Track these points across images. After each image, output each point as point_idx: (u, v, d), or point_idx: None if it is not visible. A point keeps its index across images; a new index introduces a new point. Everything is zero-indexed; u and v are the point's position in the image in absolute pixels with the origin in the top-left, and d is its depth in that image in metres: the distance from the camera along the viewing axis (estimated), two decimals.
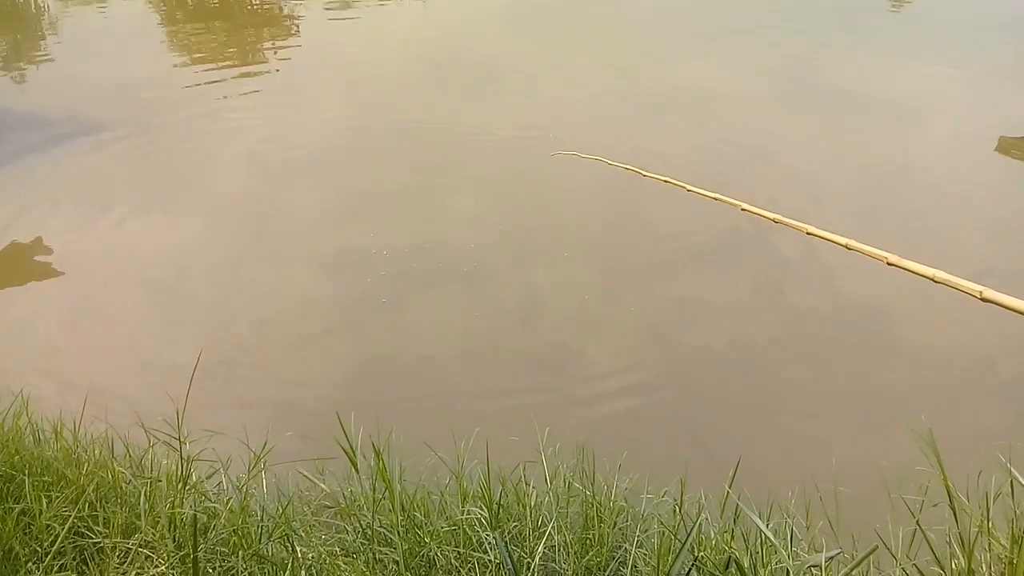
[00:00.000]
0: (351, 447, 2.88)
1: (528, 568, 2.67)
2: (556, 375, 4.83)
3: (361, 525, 2.78)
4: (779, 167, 7.33)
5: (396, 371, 4.90)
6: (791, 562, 2.35)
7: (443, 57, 10.34)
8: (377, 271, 5.84)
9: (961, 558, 2.51)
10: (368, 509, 2.81)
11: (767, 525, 2.73)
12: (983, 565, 2.81)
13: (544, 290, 5.68)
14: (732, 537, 2.80)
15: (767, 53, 10.30)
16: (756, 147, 7.69)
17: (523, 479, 3.15)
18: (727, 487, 2.96)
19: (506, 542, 2.62)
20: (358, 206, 6.77)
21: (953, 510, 2.52)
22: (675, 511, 3.05)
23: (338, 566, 2.66)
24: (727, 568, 2.42)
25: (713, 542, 2.82)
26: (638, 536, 2.92)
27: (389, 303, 5.51)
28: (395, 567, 2.61)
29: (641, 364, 4.91)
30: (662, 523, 2.99)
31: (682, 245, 6.12)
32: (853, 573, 2.63)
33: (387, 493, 2.64)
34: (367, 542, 2.69)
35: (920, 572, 2.60)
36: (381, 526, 2.72)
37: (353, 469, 2.85)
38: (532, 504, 3.05)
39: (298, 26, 12.06)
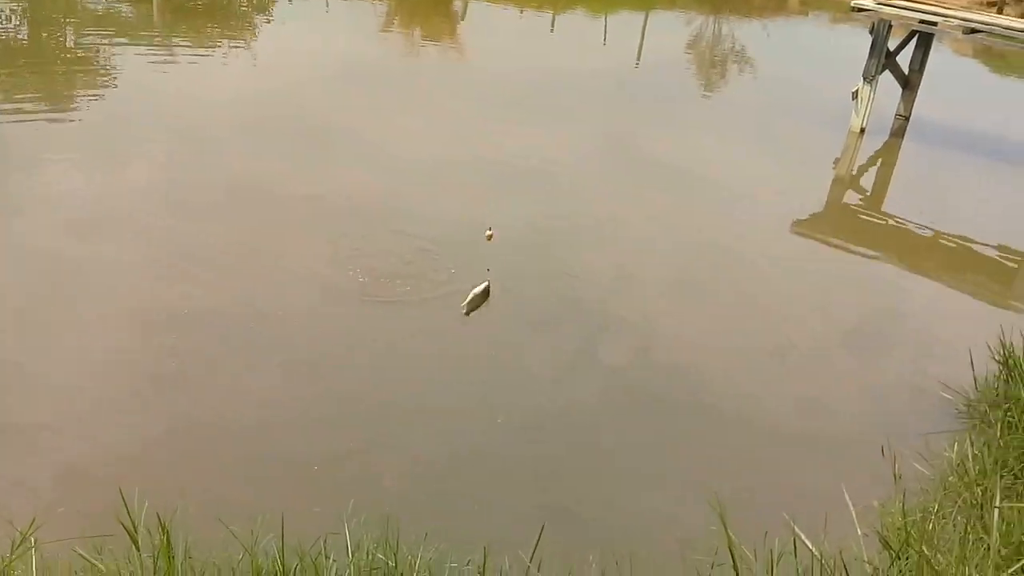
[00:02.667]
0: (132, 523, 2.70)
1: None
2: (366, 441, 4.72)
3: None
4: (608, 239, 7.65)
5: (193, 441, 4.63)
6: None
7: (272, 115, 10.17)
8: (179, 334, 5.56)
9: None
10: None
11: None
12: None
13: (351, 355, 5.60)
14: None
15: (593, 132, 10.80)
16: (580, 219, 8.00)
17: (323, 552, 3.04)
18: (528, 559, 2.98)
19: None
20: (163, 264, 6.45)
21: (736, 571, 2.64)
22: None
23: None
24: None
25: None
26: None
27: (188, 369, 5.23)
28: None
29: (447, 429, 4.90)
30: None
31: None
32: None
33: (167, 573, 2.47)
34: None
35: None
36: None
37: (134, 547, 2.67)
38: None
39: (115, 75, 11.53)
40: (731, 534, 3.03)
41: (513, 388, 5.37)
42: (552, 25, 18.59)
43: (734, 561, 2.64)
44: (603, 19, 19.02)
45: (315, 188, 7.98)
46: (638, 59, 15.98)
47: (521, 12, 19.01)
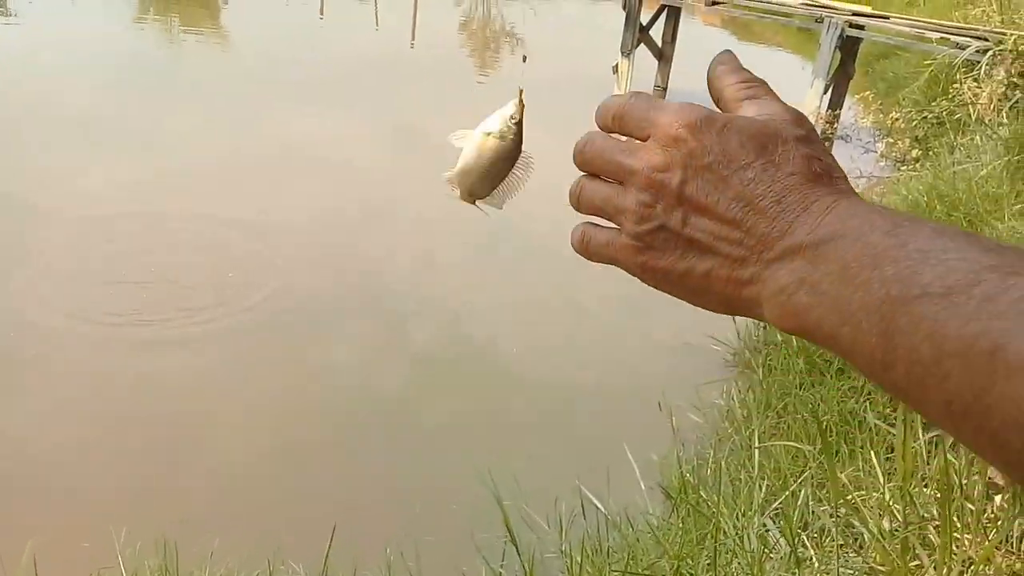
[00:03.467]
0: None
1: None
2: (142, 470, 4.41)
3: None
4: (396, 225, 7.56)
5: None
6: None
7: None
8: None
9: None
10: None
11: None
12: None
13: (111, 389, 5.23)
14: None
15: (376, 117, 10.63)
16: (371, 209, 7.86)
17: None
18: (323, 562, 2.90)
19: None
20: None
21: (514, 543, 2.70)
22: None
23: None
24: None
25: None
26: None
27: None
28: None
29: (218, 447, 4.68)
30: None
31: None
32: None
33: None
34: None
35: None
36: None
37: None
38: None
39: None
40: (522, 504, 3.09)
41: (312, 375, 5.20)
42: (321, 10, 18.15)
43: (511, 535, 2.69)
44: (372, 2, 18.79)
45: (62, 192, 7.34)
46: (412, 41, 15.95)
47: None
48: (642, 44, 11.60)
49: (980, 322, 0.46)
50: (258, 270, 6.36)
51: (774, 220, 0.57)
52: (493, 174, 0.90)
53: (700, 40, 16.80)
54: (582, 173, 0.70)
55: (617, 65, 11.56)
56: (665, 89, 12.34)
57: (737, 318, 5.37)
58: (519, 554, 2.82)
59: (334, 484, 4.25)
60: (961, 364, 0.47)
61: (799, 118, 0.63)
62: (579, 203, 0.70)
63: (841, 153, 9.72)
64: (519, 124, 0.89)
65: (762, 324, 5.40)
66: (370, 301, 6.25)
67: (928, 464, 3.05)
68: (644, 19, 11.53)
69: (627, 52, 11.41)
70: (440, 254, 7.20)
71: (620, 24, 11.48)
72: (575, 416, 5.10)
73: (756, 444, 3.57)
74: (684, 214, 0.60)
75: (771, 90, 0.67)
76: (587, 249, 0.70)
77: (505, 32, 18.14)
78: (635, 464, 3.56)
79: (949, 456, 2.35)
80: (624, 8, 11.44)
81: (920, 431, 2.81)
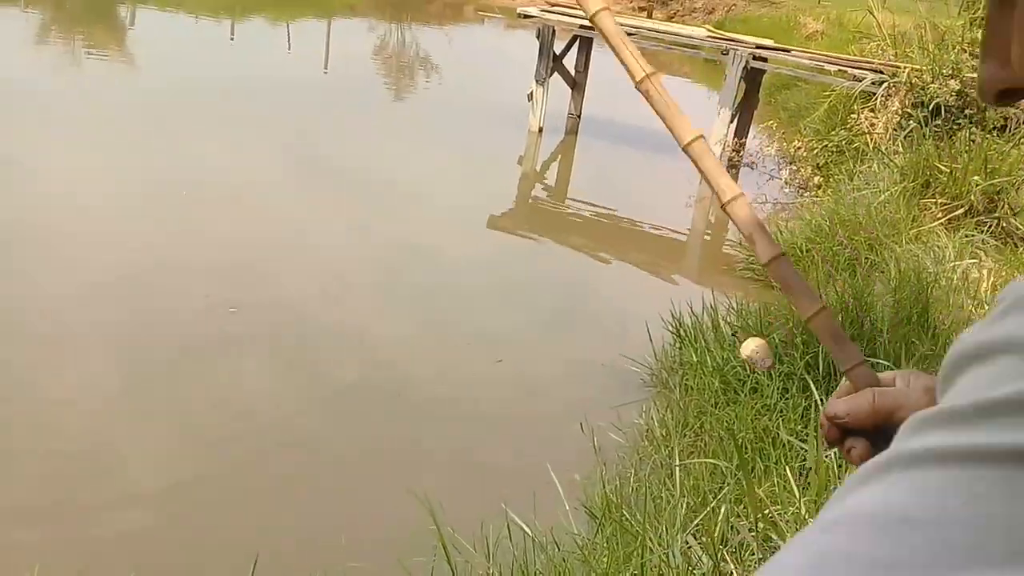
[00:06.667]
0: None
1: None
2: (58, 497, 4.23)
3: None
4: (303, 253, 7.46)
5: None
6: None
7: None
8: None
9: None
10: None
11: None
12: None
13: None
14: None
15: (285, 143, 10.49)
16: (276, 238, 7.74)
17: None
18: None
19: None
20: None
21: (450, 565, 2.70)
22: None
23: None
24: None
25: None
26: None
27: None
28: None
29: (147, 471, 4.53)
30: None
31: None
32: None
33: None
34: None
35: None
36: None
37: None
38: None
39: None
40: (448, 528, 3.09)
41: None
42: (232, 32, 17.89)
43: (447, 555, 2.69)
44: (285, 26, 18.62)
45: None
46: (326, 67, 15.85)
47: (196, 19, 18.10)
48: (555, 72, 11.81)
49: None
50: (157, 299, 6.20)
51: None
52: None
53: (612, 69, 17.18)
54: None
55: (531, 93, 11.73)
56: (579, 116, 12.57)
57: (654, 338, 5.50)
58: (453, 572, 2.81)
59: (254, 517, 4.15)
60: None
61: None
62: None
63: (747, 180, 10.08)
64: None
65: (677, 344, 5.55)
66: (280, 329, 6.14)
67: (839, 478, 3.17)
68: (558, 48, 11.75)
69: (541, 80, 11.60)
70: (352, 281, 7.14)
71: (534, 53, 11.67)
72: (497, 441, 5.11)
73: (676, 462, 3.66)
74: None
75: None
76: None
77: (420, 59, 18.21)
78: (559, 486, 3.60)
79: None
80: (538, 38, 11.64)
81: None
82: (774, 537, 2.86)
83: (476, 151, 11.32)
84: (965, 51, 8.67)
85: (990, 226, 6.99)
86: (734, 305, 5.59)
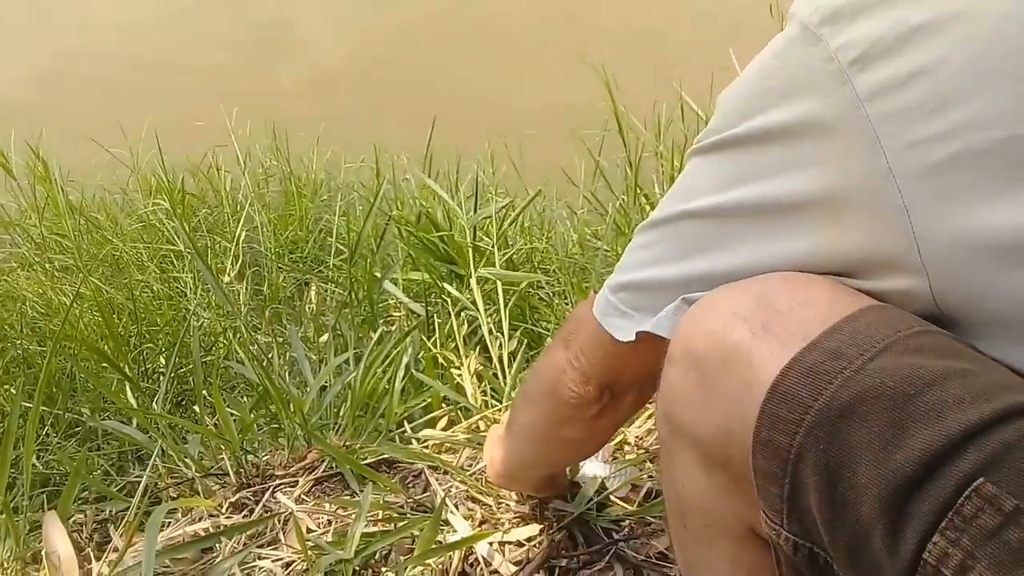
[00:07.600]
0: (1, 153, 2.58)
1: (230, 253, 2.62)
2: (245, 51, 4.43)
3: (31, 236, 2.56)
4: None
5: (65, 59, 4.27)
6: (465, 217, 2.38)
7: None
8: None
9: (629, 174, 2.71)
10: (36, 218, 2.58)
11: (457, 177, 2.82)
12: (655, 184, 3.10)
13: None
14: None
15: None
16: None
17: (214, 165, 2.99)
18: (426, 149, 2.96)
19: (187, 230, 2.51)
20: None
21: (622, 137, 2.68)
22: (376, 175, 3.05)
23: (18, 281, 2.47)
24: (419, 221, 2.49)
25: (411, 200, 2.88)
26: (340, 205, 2.92)
27: None
28: (78, 272, 2.46)
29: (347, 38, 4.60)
30: (363, 186, 2.99)
31: None
32: (532, 208, 2.82)
33: (48, 199, 2.41)
34: (41, 251, 2.49)
35: (596, 197, 2.81)
36: (53, 233, 2.52)
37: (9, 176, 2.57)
38: (227, 189, 2.94)
39: None
40: (619, 104, 3.05)
41: None
42: None
43: (620, 127, 2.67)
44: None
45: None
46: None
47: None
48: None
49: None
50: None
51: None
52: None
53: None
54: None
55: None
56: None
57: None
58: (625, 145, 2.80)
59: (434, 79, 4.22)
60: None
61: None
62: None
63: None
64: None
65: None
66: None
67: None
68: None
69: None
70: None
71: None
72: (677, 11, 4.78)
73: None
74: None
75: None
76: None
77: None
78: (738, 67, 3.42)
79: None
80: None
81: None
82: None
83: None
84: None
85: None
86: None
